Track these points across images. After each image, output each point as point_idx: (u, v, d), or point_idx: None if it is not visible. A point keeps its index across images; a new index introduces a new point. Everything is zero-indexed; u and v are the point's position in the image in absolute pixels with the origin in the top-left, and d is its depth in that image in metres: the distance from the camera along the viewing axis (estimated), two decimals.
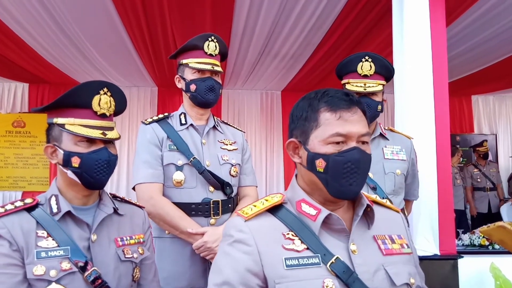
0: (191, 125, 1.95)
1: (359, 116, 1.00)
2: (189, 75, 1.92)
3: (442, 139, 2.43)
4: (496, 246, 2.98)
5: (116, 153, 1.33)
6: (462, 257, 2.35)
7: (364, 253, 0.99)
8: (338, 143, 0.97)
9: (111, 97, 1.31)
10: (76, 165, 1.24)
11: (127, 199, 1.49)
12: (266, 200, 1.05)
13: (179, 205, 1.84)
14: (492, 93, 6.65)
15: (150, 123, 1.93)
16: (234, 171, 1.96)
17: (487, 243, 2.98)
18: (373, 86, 1.91)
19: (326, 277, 0.93)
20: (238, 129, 2.14)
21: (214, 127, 2.01)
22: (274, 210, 1.03)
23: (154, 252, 1.53)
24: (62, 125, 1.26)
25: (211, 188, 1.87)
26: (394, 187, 1.93)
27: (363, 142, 0.99)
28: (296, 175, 1.10)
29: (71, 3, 3.31)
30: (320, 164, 0.97)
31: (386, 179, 1.92)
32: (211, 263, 1.81)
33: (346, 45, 4.19)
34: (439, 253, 2.35)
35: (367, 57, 1.92)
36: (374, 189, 1.86)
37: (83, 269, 1.21)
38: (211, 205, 1.86)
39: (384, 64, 1.96)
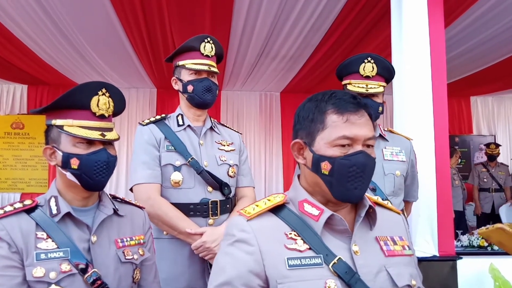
0: (189, 126, 1.95)
1: (366, 120, 0.99)
2: (186, 76, 1.93)
3: (441, 140, 2.44)
4: (495, 247, 2.97)
5: (115, 154, 1.33)
6: (461, 258, 2.35)
7: (366, 254, 0.99)
8: (344, 146, 0.97)
9: (109, 98, 1.30)
10: (75, 167, 1.23)
11: (127, 200, 1.48)
12: (269, 200, 1.05)
13: (178, 205, 1.83)
14: (490, 94, 6.67)
15: (147, 124, 1.94)
16: (232, 172, 1.96)
17: (486, 244, 2.97)
18: (375, 88, 1.91)
19: (328, 278, 0.93)
20: (235, 131, 2.14)
21: (211, 128, 2.01)
22: (276, 210, 1.03)
23: (154, 253, 1.53)
24: (60, 127, 1.25)
25: (210, 189, 1.87)
26: (394, 188, 1.93)
27: (369, 146, 0.99)
28: (298, 176, 1.09)
29: (70, 5, 3.31)
30: (326, 166, 0.97)
31: (386, 180, 1.92)
32: (210, 263, 1.82)
33: (345, 46, 4.20)
34: (438, 254, 2.35)
35: (369, 58, 1.92)
36: (373, 190, 1.86)
37: (83, 271, 1.20)
38: (210, 206, 1.86)
39: (386, 65, 1.96)
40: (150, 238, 1.49)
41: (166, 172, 1.86)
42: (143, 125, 1.93)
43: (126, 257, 1.32)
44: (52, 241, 1.21)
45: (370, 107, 1.86)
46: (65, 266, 1.19)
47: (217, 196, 1.88)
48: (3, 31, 3.76)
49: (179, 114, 1.99)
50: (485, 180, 5.97)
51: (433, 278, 2.25)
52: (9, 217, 1.21)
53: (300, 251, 0.96)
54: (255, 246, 0.95)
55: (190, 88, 1.91)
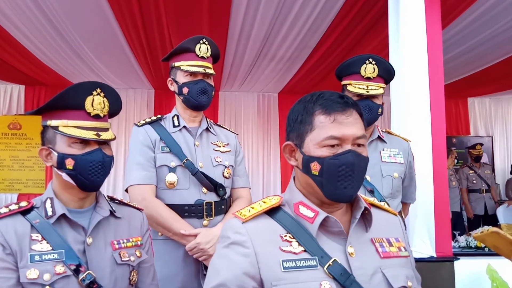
0: (184, 127, 1.95)
1: (354, 119, 0.99)
2: (181, 78, 1.92)
3: (438, 141, 2.44)
4: None
5: (112, 154, 1.31)
6: (459, 259, 2.35)
7: (361, 256, 0.99)
8: (333, 146, 0.97)
9: (104, 98, 1.29)
10: (70, 167, 1.23)
11: (126, 201, 1.47)
12: (264, 202, 1.05)
13: (172, 206, 1.83)
14: (488, 95, 6.69)
15: (143, 125, 1.93)
16: (227, 173, 1.96)
17: (483, 245, 2.98)
18: (375, 89, 1.89)
19: (323, 280, 0.92)
20: (231, 131, 2.14)
21: (207, 129, 2.01)
22: (271, 212, 1.03)
23: (153, 255, 1.52)
24: (55, 127, 1.24)
25: (204, 190, 1.87)
26: (392, 190, 1.93)
27: (359, 145, 0.99)
28: (294, 177, 1.10)
29: (67, 5, 3.31)
30: (315, 167, 0.97)
31: (384, 182, 1.91)
32: (204, 264, 1.82)
33: (342, 48, 4.20)
34: (435, 255, 2.35)
35: (371, 59, 1.90)
36: (371, 192, 1.86)
37: (76, 272, 1.19)
38: (204, 207, 1.86)
39: (387, 67, 1.95)
40: (149, 240, 1.48)
41: (161, 173, 1.86)
42: (139, 126, 1.93)
43: (122, 259, 1.31)
44: (47, 243, 1.20)
45: (370, 108, 1.88)
46: (60, 268, 1.18)
47: (212, 197, 1.88)
48: (0, 32, 3.75)
49: (175, 115, 1.98)
50: (474, 181, 5.98)
51: (431, 279, 2.25)
52: (4, 219, 1.20)
53: (295, 253, 0.95)
54: (250, 249, 0.95)
55: (185, 90, 1.91)
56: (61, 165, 1.24)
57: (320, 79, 5.31)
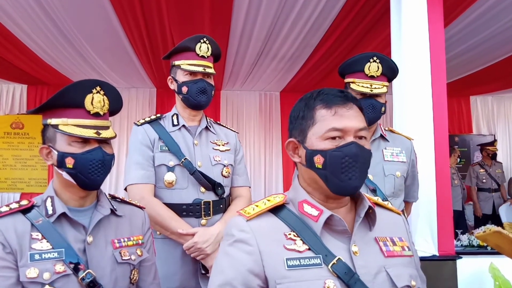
0: (183, 126, 1.95)
1: (355, 111, 1.00)
2: (181, 76, 1.92)
3: (441, 140, 2.43)
4: None
5: (112, 153, 1.31)
6: (461, 257, 2.35)
7: (365, 255, 0.99)
8: (335, 138, 0.97)
9: (104, 96, 1.29)
10: (70, 166, 1.22)
11: (127, 200, 1.47)
12: (268, 200, 1.05)
13: (170, 206, 1.84)
14: (490, 93, 6.67)
15: (142, 124, 1.94)
16: (226, 172, 1.96)
17: (485, 243, 2.97)
18: (379, 88, 1.88)
19: (327, 278, 0.93)
20: (231, 130, 2.13)
21: (207, 128, 2.01)
22: (276, 210, 1.03)
23: (155, 254, 1.51)
24: (55, 126, 1.24)
25: (202, 189, 1.87)
26: (394, 189, 1.92)
27: (361, 137, 0.99)
28: (297, 176, 1.10)
29: (69, 5, 3.31)
30: (319, 160, 0.98)
31: (386, 181, 1.90)
32: (202, 263, 1.82)
33: (344, 46, 4.20)
34: (438, 254, 2.35)
35: (375, 58, 1.88)
36: (373, 191, 1.85)
37: (75, 270, 1.19)
38: (202, 206, 1.86)
39: (391, 65, 1.93)
40: (150, 239, 1.47)
41: (159, 173, 1.86)
42: (138, 125, 1.94)
43: (123, 258, 1.31)
44: (47, 241, 1.20)
45: (373, 106, 1.87)
46: (59, 267, 1.18)
47: (210, 196, 1.88)
48: (2, 30, 3.76)
49: (174, 113, 1.99)
50: (484, 180, 5.91)
51: (433, 277, 2.25)
52: (4, 218, 1.20)
53: (299, 251, 0.95)
54: (254, 246, 0.95)
55: (184, 89, 1.91)
56: (61, 164, 1.24)
57: (322, 78, 5.30)
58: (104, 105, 1.29)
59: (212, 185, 1.88)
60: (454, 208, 5.26)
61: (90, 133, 1.23)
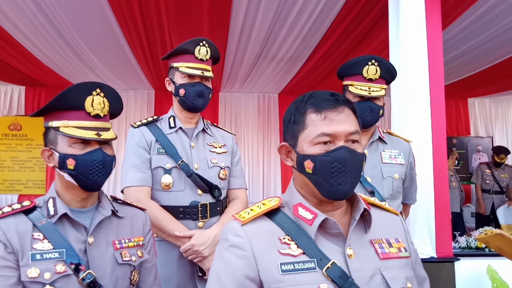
0: (180, 128, 1.95)
1: (346, 115, 0.99)
2: (179, 79, 1.92)
3: (439, 142, 2.44)
4: None
5: (113, 154, 1.32)
6: (459, 259, 2.35)
7: (360, 258, 0.99)
8: (325, 143, 0.97)
9: (104, 98, 1.30)
10: (72, 167, 1.24)
11: (128, 201, 1.48)
12: (263, 204, 1.05)
13: (167, 208, 1.83)
14: (488, 96, 6.68)
15: (138, 126, 1.93)
16: (223, 174, 1.96)
17: (483, 245, 2.98)
18: (377, 91, 1.89)
19: (322, 282, 0.92)
20: (228, 132, 2.13)
21: (204, 130, 2.00)
22: (271, 214, 1.02)
23: (156, 256, 1.52)
24: (57, 128, 1.26)
25: (199, 191, 1.87)
26: (392, 191, 1.93)
27: (353, 141, 0.99)
28: (293, 178, 1.10)
29: (68, 6, 3.31)
30: (308, 165, 0.97)
31: (384, 184, 1.91)
32: (199, 266, 1.82)
33: (343, 48, 4.21)
34: (435, 256, 2.35)
35: (373, 61, 1.89)
36: (372, 193, 1.85)
37: (76, 271, 1.20)
38: (199, 208, 1.86)
39: (390, 68, 1.94)
40: (151, 240, 1.48)
41: (156, 175, 1.86)
42: (134, 128, 1.93)
43: (124, 259, 1.32)
44: (48, 242, 1.21)
45: (371, 109, 1.88)
46: (60, 267, 1.19)
47: (207, 199, 1.88)
48: (1, 33, 3.76)
49: (171, 116, 1.98)
50: (487, 181, 5.94)
51: (431, 279, 2.24)
52: (7, 218, 1.21)
53: (293, 255, 0.95)
54: (248, 251, 0.95)
55: (182, 91, 1.90)
56: (62, 165, 1.25)
57: (321, 80, 5.31)
58: (104, 107, 1.30)
59: (209, 187, 1.88)
60: (452, 210, 5.27)
61: (90, 135, 1.25)
